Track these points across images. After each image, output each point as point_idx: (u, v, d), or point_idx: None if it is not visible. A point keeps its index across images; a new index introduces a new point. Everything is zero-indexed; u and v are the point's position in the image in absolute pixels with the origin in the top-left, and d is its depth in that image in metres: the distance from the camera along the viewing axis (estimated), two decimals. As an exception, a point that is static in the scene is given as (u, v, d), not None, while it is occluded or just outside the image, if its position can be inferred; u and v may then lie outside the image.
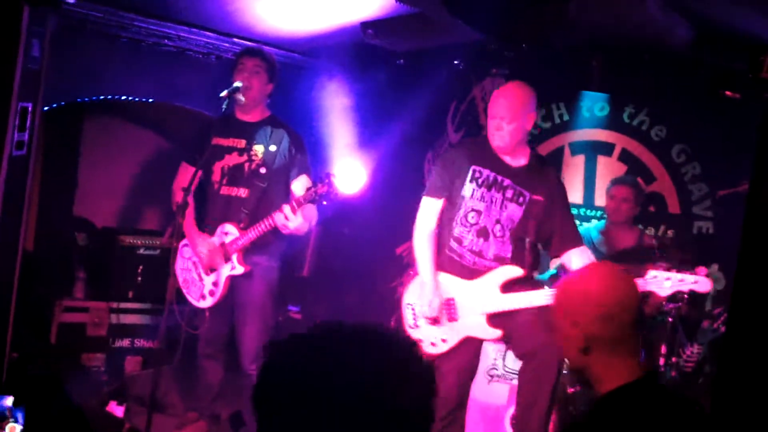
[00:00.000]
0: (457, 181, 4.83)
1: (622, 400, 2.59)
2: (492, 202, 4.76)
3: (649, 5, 5.50)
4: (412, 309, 4.96)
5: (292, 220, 5.20)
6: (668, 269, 4.46)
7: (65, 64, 5.43)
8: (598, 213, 7.08)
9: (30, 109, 4.59)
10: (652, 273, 4.41)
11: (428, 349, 4.84)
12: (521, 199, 4.74)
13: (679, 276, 4.40)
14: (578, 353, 2.65)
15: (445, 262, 4.91)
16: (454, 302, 4.80)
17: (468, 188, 4.81)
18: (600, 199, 7.05)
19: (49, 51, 4.70)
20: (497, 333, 4.68)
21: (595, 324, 2.61)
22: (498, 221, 4.75)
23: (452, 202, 4.87)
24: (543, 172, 4.87)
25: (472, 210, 4.79)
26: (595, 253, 5.55)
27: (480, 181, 4.79)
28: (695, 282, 4.43)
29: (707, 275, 4.52)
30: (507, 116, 4.68)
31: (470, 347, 4.84)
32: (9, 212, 4.57)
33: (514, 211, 4.74)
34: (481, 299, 4.70)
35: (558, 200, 4.83)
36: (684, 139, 7.00)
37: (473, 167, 4.82)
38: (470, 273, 4.81)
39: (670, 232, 6.98)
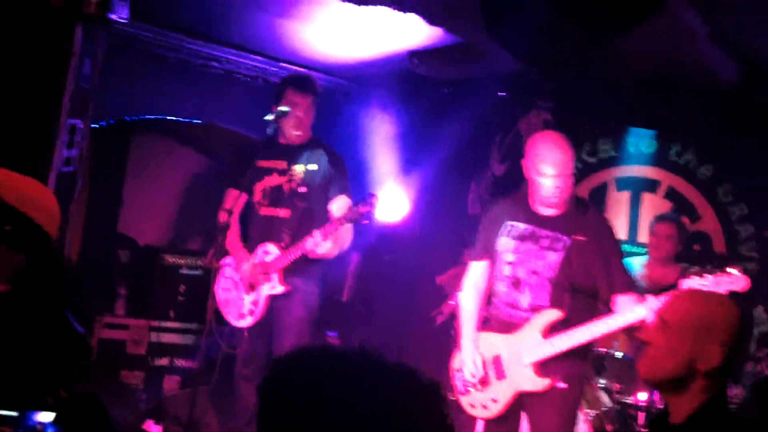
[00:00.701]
0: (494, 238, 4.74)
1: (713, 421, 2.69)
2: (527, 253, 4.61)
3: (699, 41, 5.47)
4: (461, 374, 4.75)
5: (321, 246, 5.22)
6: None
7: (114, 83, 5.50)
8: (642, 250, 7.00)
9: (79, 126, 4.64)
10: (687, 282, 4.26)
11: (481, 413, 4.68)
12: (560, 245, 4.57)
13: (714, 279, 4.24)
14: (686, 367, 2.69)
15: (486, 320, 4.82)
16: (500, 359, 4.62)
17: (502, 242, 4.69)
18: (644, 236, 6.97)
19: (99, 69, 4.76)
20: (546, 382, 4.50)
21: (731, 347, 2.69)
22: (534, 272, 4.58)
23: (492, 260, 4.78)
24: (585, 213, 4.70)
25: (507, 263, 4.66)
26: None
27: (514, 234, 4.67)
28: (731, 281, 4.25)
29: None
30: (567, 169, 4.50)
31: (518, 417, 4.68)
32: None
33: (553, 258, 4.56)
34: (525, 349, 4.51)
35: (604, 241, 4.64)
36: (731, 178, 6.91)
37: (507, 222, 4.71)
38: (507, 327, 4.65)
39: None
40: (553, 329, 4.48)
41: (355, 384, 1.60)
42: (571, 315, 4.47)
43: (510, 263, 4.64)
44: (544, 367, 4.49)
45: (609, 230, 4.75)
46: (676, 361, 2.72)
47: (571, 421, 4.59)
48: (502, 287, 4.68)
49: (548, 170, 4.49)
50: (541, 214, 4.64)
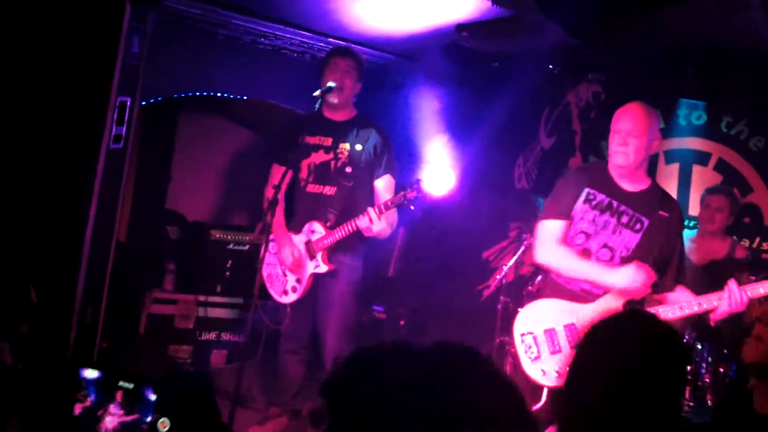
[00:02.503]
0: (572, 203, 4.62)
1: None
2: (604, 226, 4.54)
3: (752, 10, 5.37)
4: (533, 336, 4.57)
5: (376, 224, 5.20)
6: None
7: (163, 60, 5.52)
8: (692, 223, 6.92)
9: (128, 103, 4.67)
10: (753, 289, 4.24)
11: (552, 381, 4.49)
12: (638, 225, 4.50)
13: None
14: None
15: (549, 287, 4.72)
16: (576, 327, 4.49)
17: (580, 209, 4.59)
18: (694, 209, 6.90)
19: (148, 47, 4.78)
20: None
21: None
22: (606, 246, 4.53)
23: (569, 221, 4.65)
24: (665, 197, 4.65)
25: (581, 232, 4.58)
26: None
27: (594, 203, 4.58)
28: None
29: None
30: (634, 131, 4.46)
31: None
32: (104, 204, 4.67)
33: (630, 237, 4.49)
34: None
35: (680, 225, 4.61)
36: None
37: (587, 189, 4.60)
38: (578, 298, 4.55)
39: (765, 245, 6.79)
40: (631, 303, 4.40)
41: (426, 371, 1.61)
42: (648, 296, 4.44)
43: (584, 232, 4.58)
44: None
45: (681, 215, 4.70)
46: None
47: None
48: None
49: (618, 127, 4.51)
50: (623, 188, 4.59)
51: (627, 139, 4.47)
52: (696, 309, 4.32)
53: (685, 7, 5.34)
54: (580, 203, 4.61)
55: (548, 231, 4.66)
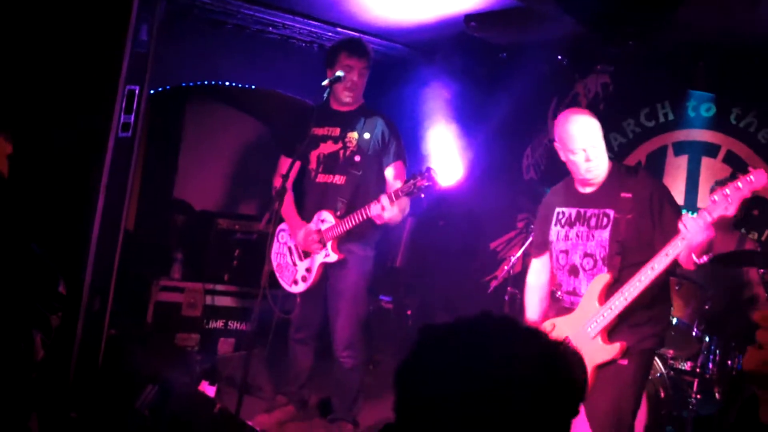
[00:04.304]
0: (548, 229, 4.67)
1: None
2: (577, 237, 4.51)
3: (761, 5, 5.35)
4: None
5: (388, 210, 5.19)
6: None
7: (171, 49, 5.52)
8: (700, 216, 6.91)
9: (137, 92, 4.67)
10: (714, 197, 4.10)
11: None
12: (605, 220, 4.43)
13: (736, 183, 4.06)
14: None
15: (550, 310, 4.76)
16: (569, 340, 4.40)
17: (553, 232, 4.64)
18: (702, 201, 6.89)
19: (157, 35, 4.78)
20: (617, 346, 4.31)
21: None
22: (587, 254, 4.48)
23: (550, 251, 4.72)
24: (626, 177, 4.49)
25: (561, 252, 4.59)
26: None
27: (563, 221, 4.59)
28: (750, 181, 4.07)
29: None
30: (591, 141, 4.39)
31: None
32: (113, 192, 4.67)
33: (602, 236, 4.43)
34: (587, 321, 4.39)
35: (653, 195, 4.39)
36: (793, 142, 6.78)
37: (557, 209, 4.64)
38: (568, 312, 4.57)
39: (773, 238, 6.78)
40: (608, 293, 4.35)
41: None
42: (625, 276, 4.31)
43: (564, 251, 4.57)
44: (612, 334, 4.38)
45: (656, 185, 4.54)
46: None
47: (628, 400, 4.43)
48: (562, 277, 4.61)
49: (573, 146, 4.41)
50: (582, 193, 4.54)
51: (589, 153, 4.40)
52: (667, 260, 4.20)
53: (700, 2, 5.30)
54: (552, 227, 4.65)
55: (530, 270, 4.94)
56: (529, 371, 1.62)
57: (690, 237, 4.06)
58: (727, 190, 3.97)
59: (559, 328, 4.56)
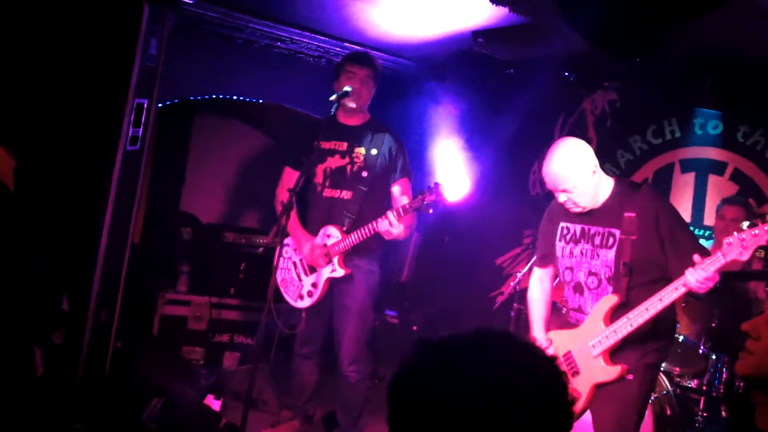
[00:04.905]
0: (553, 241, 4.65)
1: None
2: (582, 254, 4.50)
3: (768, 22, 5.35)
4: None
5: (396, 226, 5.19)
6: None
7: (180, 63, 5.53)
8: (707, 233, 6.90)
9: (146, 105, 4.68)
10: (729, 240, 4.05)
11: None
12: (611, 240, 4.39)
13: (754, 231, 4.02)
14: None
15: (552, 322, 4.77)
16: (572, 355, 4.50)
17: (558, 247, 4.62)
18: (709, 219, 6.88)
19: (165, 49, 4.79)
20: (617, 369, 4.30)
21: None
22: (591, 273, 4.46)
23: (554, 265, 4.73)
24: (630, 194, 4.44)
25: (567, 268, 4.58)
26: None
27: (568, 237, 4.57)
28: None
29: None
30: (567, 185, 4.36)
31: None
32: (120, 205, 4.68)
33: (606, 255, 4.40)
34: (591, 341, 4.38)
35: (659, 213, 4.34)
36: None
37: (562, 224, 4.62)
38: (573, 327, 4.57)
39: (781, 256, 6.76)
40: (614, 315, 4.32)
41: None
42: (633, 297, 4.28)
43: (569, 268, 4.56)
44: (614, 355, 4.37)
45: (660, 203, 4.45)
46: None
47: (633, 414, 4.40)
48: (568, 292, 4.60)
49: (554, 189, 4.43)
50: (590, 210, 4.49)
51: (567, 196, 4.39)
52: (677, 294, 4.14)
53: (704, 18, 5.30)
54: (557, 242, 4.63)
55: (532, 279, 4.93)
56: (524, 386, 1.62)
57: (694, 287, 4.05)
58: (744, 235, 3.92)
59: (563, 341, 4.57)
